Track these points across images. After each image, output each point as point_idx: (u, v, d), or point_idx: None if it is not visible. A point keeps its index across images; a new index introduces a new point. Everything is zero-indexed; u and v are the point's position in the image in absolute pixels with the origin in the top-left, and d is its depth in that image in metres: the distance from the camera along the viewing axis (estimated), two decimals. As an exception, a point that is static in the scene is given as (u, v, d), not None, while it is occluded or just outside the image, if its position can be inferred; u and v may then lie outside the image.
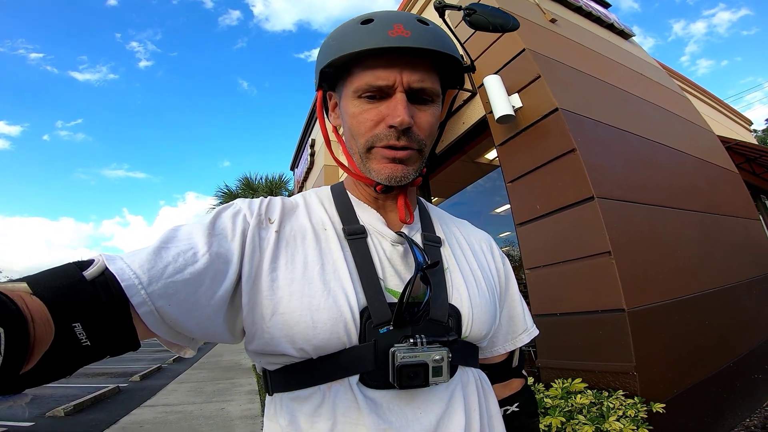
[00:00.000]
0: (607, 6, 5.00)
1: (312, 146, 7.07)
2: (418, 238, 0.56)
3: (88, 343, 0.33)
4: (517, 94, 2.47)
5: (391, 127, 0.48)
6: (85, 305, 0.34)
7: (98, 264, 0.37)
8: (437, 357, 0.43)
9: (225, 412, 4.34)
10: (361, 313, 0.46)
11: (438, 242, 0.57)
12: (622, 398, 1.70)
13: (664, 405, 1.66)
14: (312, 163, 7.06)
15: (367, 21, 0.49)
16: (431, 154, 0.57)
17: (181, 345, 0.44)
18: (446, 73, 0.54)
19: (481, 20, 0.61)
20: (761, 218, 4.20)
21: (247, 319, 0.45)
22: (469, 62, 0.56)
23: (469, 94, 2.95)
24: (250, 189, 12.87)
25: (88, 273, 0.36)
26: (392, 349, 0.44)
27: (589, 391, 1.80)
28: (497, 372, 0.64)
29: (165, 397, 5.37)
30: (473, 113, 2.95)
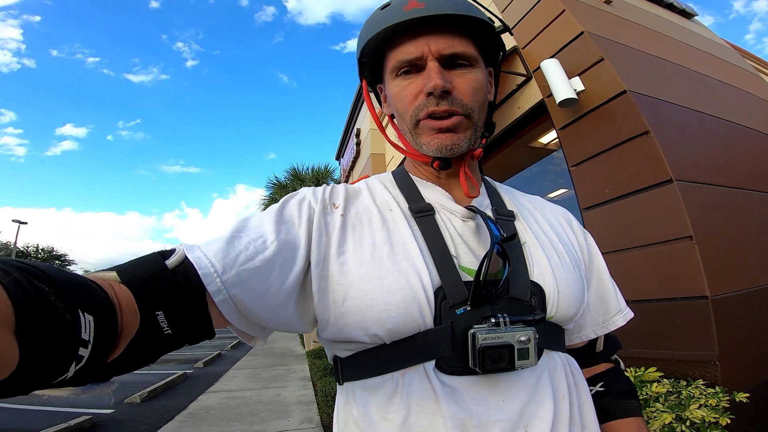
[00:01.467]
0: None
1: (357, 135, 7.09)
2: (488, 213, 0.53)
3: (169, 331, 0.34)
4: (578, 78, 2.37)
5: (429, 95, 0.48)
6: (168, 294, 0.34)
7: (179, 253, 0.38)
8: (523, 338, 0.40)
9: (281, 398, 4.54)
10: (436, 293, 0.43)
11: (511, 216, 0.54)
12: (702, 387, 1.59)
13: (748, 395, 1.53)
14: (358, 153, 7.07)
15: (385, 5, 0.51)
16: (490, 122, 0.55)
17: (252, 334, 0.44)
18: (481, 39, 0.52)
19: None
20: None
21: (318, 306, 0.44)
22: (500, 24, 0.55)
23: (524, 78, 2.87)
24: (297, 179, 13.11)
25: (170, 262, 0.36)
26: (472, 331, 0.41)
27: (665, 380, 1.70)
28: (581, 357, 0.58)
29: (226, 383, 5.71)
30: (529, 97, 2.86)
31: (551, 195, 3.48)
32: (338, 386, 0.50)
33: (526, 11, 2.89)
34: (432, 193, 0.53)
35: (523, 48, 2.92)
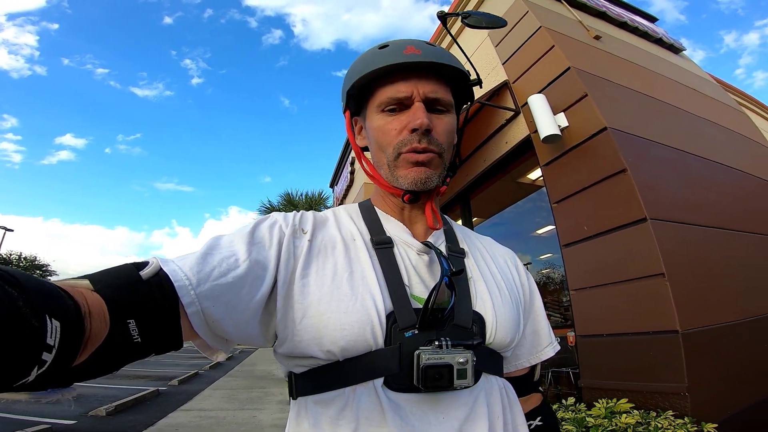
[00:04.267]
0: (653, 20, 4.92)
1: (352, 164, 7.35)
2: (442, 249, 0.58)
3: (139, 339, 0.35)
4: (563, 113, 2.52)
5: (413, 131, 0.54)
6: (141, 303, 0.36)
7: (153, 265, 0.40)
8: (461, 359, 0.45)
9: (256, 420, 4.51)
10: (388, 316, 0.48)
11: (462, 253, 0.60)
12: (671, 418, 1.68)
13: (716, 425, 1.63)
14: (352, 181, 7.34)
15: (383, 46, 0.58)
16: (453, 164, 0.63)
17: (215, 347, 0.46)
18: (457, 87, 0.62)
19: (474, 21, 0.71)
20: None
21: (280, 323, 0.48)
22: (476, 77, 0.63)
23: (513, 113, 3.03)
24: (290, 204, 13.47)
25: (145, 273, 0.38)
26: (417, 351, 0.45)
27: (635, 411, 1.79)
28: (518, 386, 0.63)
29: (201, 402, 5.63)
30: (517, 132, 3.00)
31: (540, 231, 3.60)
32: (291, 401, 0.54)
33: (519, 45, 3.05)
34: (393, 227, 0.59)
35: (513, 82, 3.07)
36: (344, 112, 0.64)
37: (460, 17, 0.71)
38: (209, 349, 0.47)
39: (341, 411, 0.46)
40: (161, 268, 0.40)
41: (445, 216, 0.68)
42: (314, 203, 13.45)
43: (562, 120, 2.48)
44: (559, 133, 2.43)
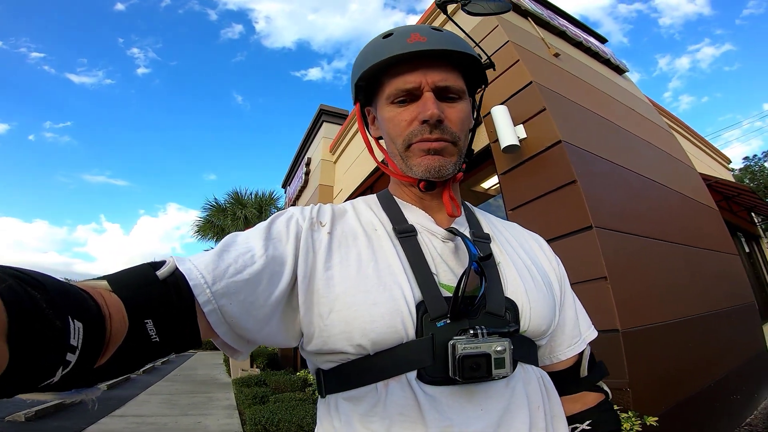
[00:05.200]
0: (603, 41, 5.34)
1: (308, 165, 7.24)
2: (467, 234, 0.57)
3: (157, 339, 0.36)
4: (522, 125, 2.71)
5: (423, 122, 0.53)
6: (157, 303, 0.37)
7: (169, 264, 0.40)
8: (499, 348, 0.43)
9: (202, 426, 4.31)
10: (417, 306, 0.47)
11: (487, 238, 0.59)
12: (617, 412, 1.89)
13: (657, 418, 1.86)
14: (306, 182, 7.21)
15: (388, 35, 0.57)
16: (470, 151, 0.61)
17: (236, 348, 0.46)
18: (468, 72, 0.59)
19: (474, 7, 0.68)
20: (739, 254, 4.59)
21: (304, 319, 0.48)
22: (487, 60, 0.61)
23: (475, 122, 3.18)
24: (238, 203, 13.07)
25: (161, 272, 0.39)
26: (452, 341, 0.44)
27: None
28: (564, 382, 0.60)
29: (136, 407, 5.25)
30: (477, 141, 3.16)
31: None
32: (320, 399, 0.53)
33: (486, 58, 3.22)
34: (415, 215, 0.58)
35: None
36: (354, 104, 0.63)
37: (459, 4, 0.68)
38: (230, 348, 0.46)
39: (373, 407, 0.45)
40: (177, 268, 0.41)
41: (467, 203, 0.67)
42: (264, 203, 13.17)
43: (521, 131, 2.66)
44: (518, 143, 2.61)
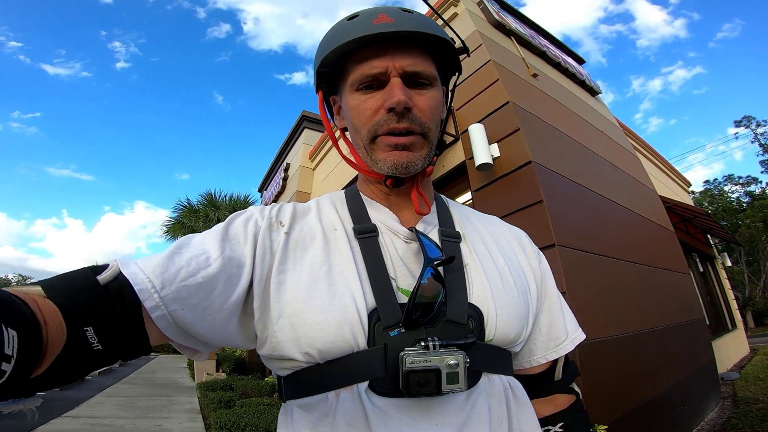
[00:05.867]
0: (581, 62, 5.55)
1: (286, 170, 7.24)
2: (435, 235, 0.55)
3: (100, 347, 0.34)
4: (496, 144, 2.86)
5: (390, 110, 0.49)
6: (98, 309, 0.35)
7: (112, 268, 0.39)
8: (452, 362, 0.41)
9: (163, 429, 4.22)
10: (370, 315, 0.45)
11: (457, 237, 0.56)
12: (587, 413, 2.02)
13: (606, 427, 2.01)
14: (283, 188, 7.21)
15: (353, 17, 0.52)
16: (441, 141, 0.58)
17: (194, 348, 0.45)
18: (440, 58, 0.55)
19: None
20: (691, 273, 4.95)
21: (258, 323, 0.46)
22: (461, 44, 0.57)
23: (453, 138, 3.31)
24: (212, 205, 12.91)
25: (102, 277, 0.37)
26: (401, 354, 0.42)
27: (537, 415, 2.14)
28: (538, 385, 0.59)
29: (90, 409, 5.08)
30: (454, 157, 3.29)
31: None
32: (282, 404, 0.53)
33: (468, 75, 3.35)
34: (379, 213, 0.56)
35: (457, 109, 3.36)
36: (317, 92, 0.59)
37: None
38: (187, 349, 0.46)
39: (324, 417, 0.44)
40: (121, 272, 0.39)
41: (442, 196, 0.64)
42: (239, 206, 12.99)
43: (495, 150, 2.81)
44: (491, 162, 2.76)
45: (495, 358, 0.50)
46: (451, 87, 0.62)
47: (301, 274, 0.47)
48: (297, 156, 7.07)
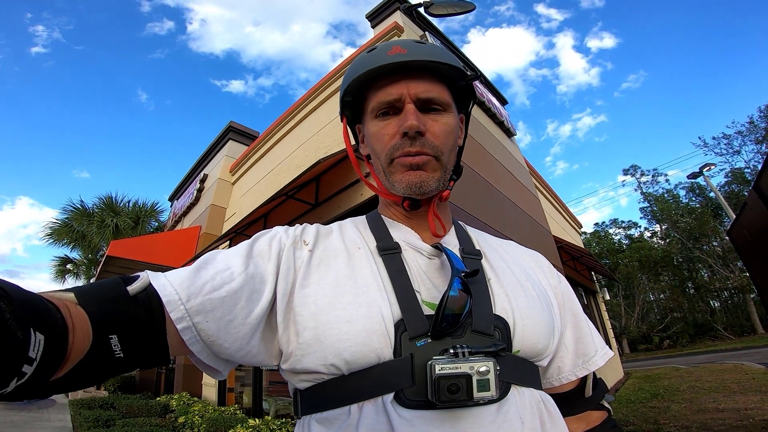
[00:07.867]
0: (504, 103, 6.01)
1: (203, 182, 6.92)
2: (456, 251, 0.57)
3: (121, 354, 0.36)
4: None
5: (404, 135, 0.54)
6: (124, 319, 0.37)
7: (142, 280, 0.41)
8: (482, 368, 0.41)
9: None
10: (396, 325, 0.46)
11: (478, 254, 0.58)
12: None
13: None
14: (197, 199, 6.88)
15: (371, 50, 0.59)
16: (458, 166, 0.63)
17: (213, 367, 0.47)
18: (455, 86, 0.60)
19: (440, 9, 0.80)
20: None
21: (282, 337, 0.48)
22: (473, 73, 0.61)
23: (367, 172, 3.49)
24: (111, 210, 11.55)
25: (132, 288, 0.39)
26: (430, 362, 0.43)
27: None
28: (569, 402, 0.60)
29: None
30: (367, 195, 3.41)
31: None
32: (297, 420, 0.53)
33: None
34: (400, 233, 0.58)
35: None
36: (341, 120, 0.66)
37: (423, 7, 0.80)
38: (207, 367, 0.47)
39: (343, 431, 0.44)
40: (150, 283, 0.42)
41: (459, 222, 0.67)
42: (144, 215, 11.94)
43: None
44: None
45: (523, 370, 0.51)
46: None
47: (325, 287, 0.50)
48: (217, 167, 6.74)
